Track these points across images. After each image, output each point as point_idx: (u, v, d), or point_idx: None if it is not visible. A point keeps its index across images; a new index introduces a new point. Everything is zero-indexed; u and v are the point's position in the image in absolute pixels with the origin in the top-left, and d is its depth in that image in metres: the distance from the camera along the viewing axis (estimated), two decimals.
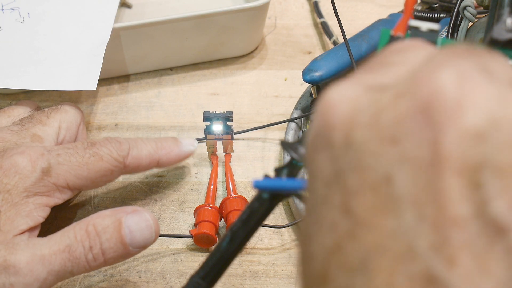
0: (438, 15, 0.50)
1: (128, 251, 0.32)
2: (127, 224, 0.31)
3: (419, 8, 0.52)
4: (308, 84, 0.48)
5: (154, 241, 0.33)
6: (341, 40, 0.50)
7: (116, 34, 0.47)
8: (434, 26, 0.24)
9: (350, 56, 0.45)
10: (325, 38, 0.56)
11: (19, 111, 0.40)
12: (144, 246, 0.32)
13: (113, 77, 0.52)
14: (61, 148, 0.35)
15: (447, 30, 0.42)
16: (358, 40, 0.48)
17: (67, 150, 0.34)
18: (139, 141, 0.38)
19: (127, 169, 0.36)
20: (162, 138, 0.39)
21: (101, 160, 0.35)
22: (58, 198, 0.34)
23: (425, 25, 0.24)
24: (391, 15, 0.52)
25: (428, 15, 0.50)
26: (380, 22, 0.50)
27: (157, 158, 0.38)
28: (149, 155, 0.37)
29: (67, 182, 0.34)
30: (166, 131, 0.48)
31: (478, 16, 0.41)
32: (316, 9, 0.57)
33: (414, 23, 0.24)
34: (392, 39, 0.25)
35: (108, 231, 0.31)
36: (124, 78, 0.52)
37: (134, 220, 0.32)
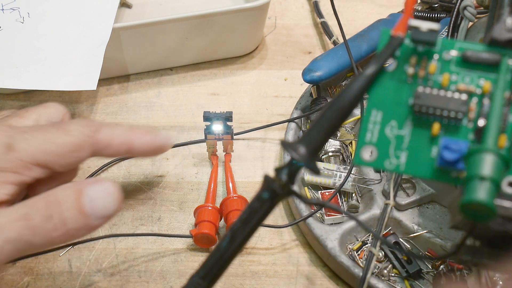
0: (438, 15, 0.50)
1: (89, 221, 0.31)
2: (87, 193, 0.31)
3: (419, 8, 0.52)
4: (308, 84, 0.48)
5: (116, 211, 0.31)
6: (341, 40, 0.50)
7: (116, 34, 0.47)
8: (434, 26, 0.24)
9: (349, 56, 0.45)
10: (325, 38, 0.56)
11: (4, 113, 0.40)
12: (106, 216, 0.31)
13: (113, 77, 0.52)
14: (27, 126, 0.35)
15: (447, 30, 0.42)
16: (358, 40, 0.48)
17: (33, 128, 0.34)
18: (112, 123, 0.38)
19: (98, 146, 0.35)
20: (136, 126, 0.39)
21: (69, 134, 0.34)
22: (27, 176, 0.33)
23: (425, 25, 0.24)
24: (391, 15, 0.52)
25: (428, 15, 0.50)
26: (380, 22, 0.50)
27: (130, 140, 0.37)
28: (121, 134, 0.37)
29: (34, 158, 0.33)
30: (166, 131, 0.48)
31: (478, 16, 0.41)
32: (316, 9, 0.57)
33: (414, 23, 0.24)
34: (392, 39, 0.25)
35: (69, 200, 0.30)
36: (124, 78, 0.52)
37: (95, 189, 0.31)
